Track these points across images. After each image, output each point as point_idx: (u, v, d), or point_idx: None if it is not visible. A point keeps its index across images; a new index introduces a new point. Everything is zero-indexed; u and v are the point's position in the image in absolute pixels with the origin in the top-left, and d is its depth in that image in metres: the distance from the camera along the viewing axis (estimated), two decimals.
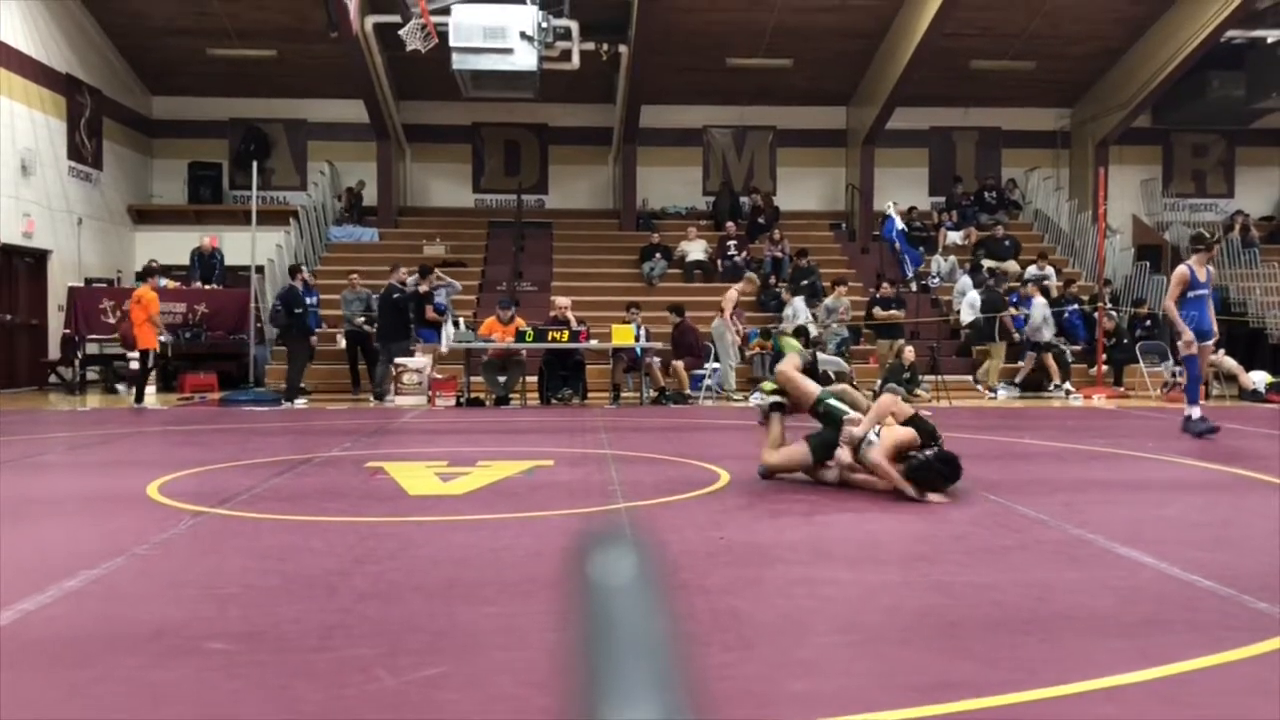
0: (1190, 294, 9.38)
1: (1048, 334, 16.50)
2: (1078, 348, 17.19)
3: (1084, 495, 6.19)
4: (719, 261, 19.28)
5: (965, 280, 18.08)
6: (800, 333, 14.14)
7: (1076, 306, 17.71)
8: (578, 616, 0.62)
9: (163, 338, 14.43)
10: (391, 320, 14.84)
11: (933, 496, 5.74)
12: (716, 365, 15.33)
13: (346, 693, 2.75)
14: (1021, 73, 20.59)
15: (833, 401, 6.26)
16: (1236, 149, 22.85)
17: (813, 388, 6.39)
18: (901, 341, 16.14)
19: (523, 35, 15.44)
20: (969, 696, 2.69)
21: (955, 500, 5.76)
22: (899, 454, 5.85)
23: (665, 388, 14.54)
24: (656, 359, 14.70)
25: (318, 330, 15.52)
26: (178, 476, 6.81)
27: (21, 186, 16.85)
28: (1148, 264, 19.90)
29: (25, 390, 16.68)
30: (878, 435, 5.97)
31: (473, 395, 14.32)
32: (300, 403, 13.97)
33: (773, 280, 18.44)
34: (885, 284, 17.43)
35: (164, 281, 15.82)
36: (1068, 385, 16.04)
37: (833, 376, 11.46)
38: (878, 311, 16.89)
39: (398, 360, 14.57)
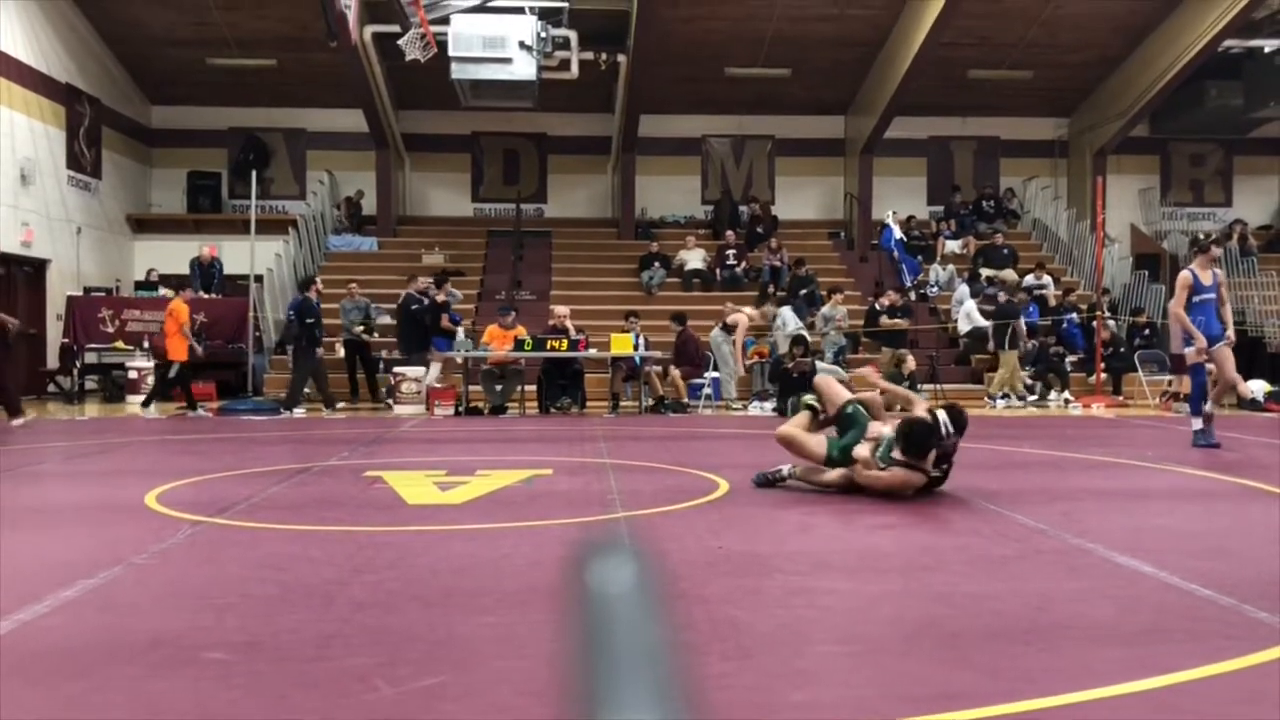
0: (1195, 298, 9.31)
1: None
2: (1076, 357, 17.18)
3: (1083, 504, 6.18)
4: (718, 270, 19.30)
5: (963, 289, 18.08)
6: (798, 341, 14.13)
7: (1075, 315, 17.72)
8: (577, 626, 0.62)
9: (197, 349, 14.33)
10: (411, 330, 14.87)
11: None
12: (716, 375, 15.33)
13: (345, 702, 2.75)
14: (1019, 82, 20.64)
15: (858, 407, 6.62)
16: (1234, 158, 22.87)
17: (845, 393, 6.88)
18: (904, 351, 16.12)
19: (522, 45, 15.48)
20: (969, 707, 2.69)
21: (951, 501, 5.76)
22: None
23: (664, 396, 14.53)
24: (656, 367, 14.69)
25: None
26: (176, 486, 6.80)
27: (20, 196, 16.85)
28: (1146, 273, 19.91)
29: (24, 399, 16.60)
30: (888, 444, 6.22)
31: (471, 404, 14.31)
32: (299, 412, 13.96)
33: (771, 289, 18.45)
34: (892, 292, 17.43)
35: (163, 291, 15.75)
36: (1067, 394, 16.04)
37: None
38: (884, 320, 16.88)
39: (396, 370, 14.54)
